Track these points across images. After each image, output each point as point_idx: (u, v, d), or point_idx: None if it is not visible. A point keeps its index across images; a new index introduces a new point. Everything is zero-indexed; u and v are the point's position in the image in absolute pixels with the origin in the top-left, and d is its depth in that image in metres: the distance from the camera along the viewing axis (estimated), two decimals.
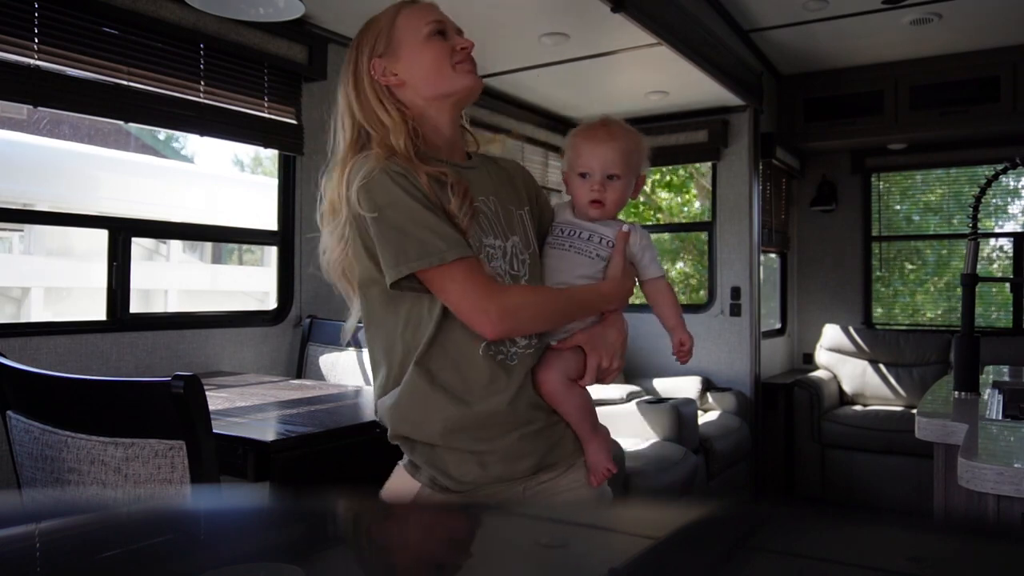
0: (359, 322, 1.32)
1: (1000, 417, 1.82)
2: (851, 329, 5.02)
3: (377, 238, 1.16)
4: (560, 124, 4.44)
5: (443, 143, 1.30)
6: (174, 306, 6.74)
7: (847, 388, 4.95)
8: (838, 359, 5.00)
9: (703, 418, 4.07)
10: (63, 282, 6.26)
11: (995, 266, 5.31)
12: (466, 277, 1.15)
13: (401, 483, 1.26)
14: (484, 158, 1.38)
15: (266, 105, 2.89)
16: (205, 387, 1.28)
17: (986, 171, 4.54)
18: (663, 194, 7.22)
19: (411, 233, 1.14)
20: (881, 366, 4.87)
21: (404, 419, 1.22)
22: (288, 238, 3.01)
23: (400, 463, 1.28)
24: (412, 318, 1.21)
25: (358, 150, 1.25)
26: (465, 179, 1.24)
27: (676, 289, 7.17)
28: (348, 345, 2.76)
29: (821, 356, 5.08)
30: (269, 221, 3.04)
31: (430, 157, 1.24)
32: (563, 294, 1.28)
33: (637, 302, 1.55)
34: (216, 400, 2.02)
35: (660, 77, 3.78)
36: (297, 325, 3.00)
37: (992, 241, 5.26)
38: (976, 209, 2.11)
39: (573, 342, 1.29)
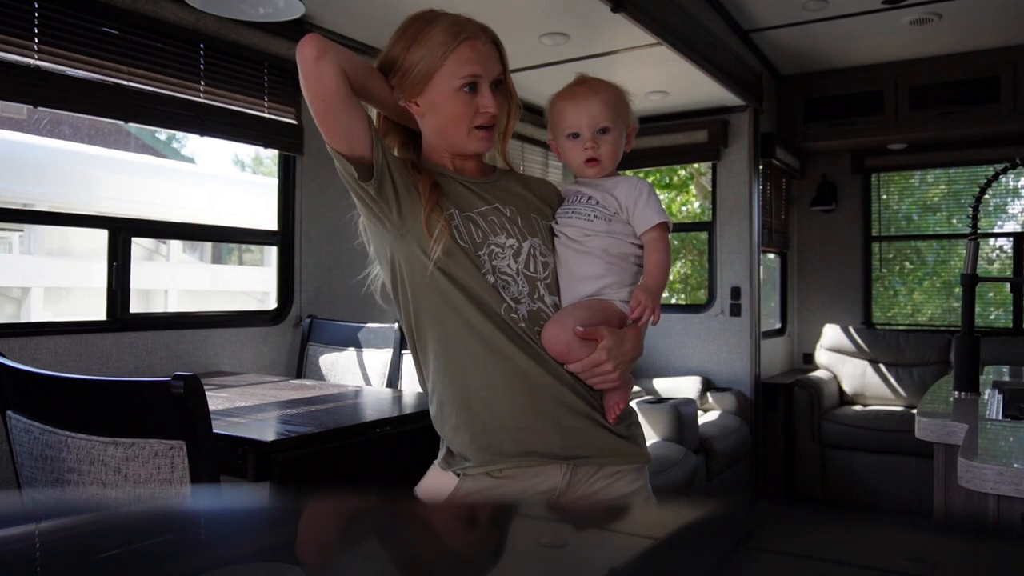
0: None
1: (1000, 417, 1.82)
2: (851, 329, 5.02)
3: None
4: None
5: (450, 161, 1.32)
6: (174, 306, 6.74)
7: (847, 388, 4.94)
8: (838, 359, 5.00)
9: (703, 418, 4.07)
10: (63, 282, 6.25)
11: (995, 266, 5.31)
12: None
13: (436, 480, 1.28)
14: (511, 174, 1.37)
15: (266, 105, 2.89)
16: (205, 387, 1.28)
17: (986, 171, 4.55)
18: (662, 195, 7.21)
19: None
20: (881, 366, 4.87)
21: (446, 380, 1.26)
22: (288, 238, 3.01)
23: (435, 463, 1.30)
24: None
25: None
26: (456, 191, 1.27)
27: (675, 289, 7.19)
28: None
29: (821, 356, 5.08)
30: (269, 221, 3.05)
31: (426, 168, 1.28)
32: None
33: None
34: (216, 400, 2.02)
35: (660, 77, 3.77)
36: (297, 325, 3.00)
37: (992, 241, 5.25)
38: (976, 209, 2.11)
39: (595, 333, 1.22)
